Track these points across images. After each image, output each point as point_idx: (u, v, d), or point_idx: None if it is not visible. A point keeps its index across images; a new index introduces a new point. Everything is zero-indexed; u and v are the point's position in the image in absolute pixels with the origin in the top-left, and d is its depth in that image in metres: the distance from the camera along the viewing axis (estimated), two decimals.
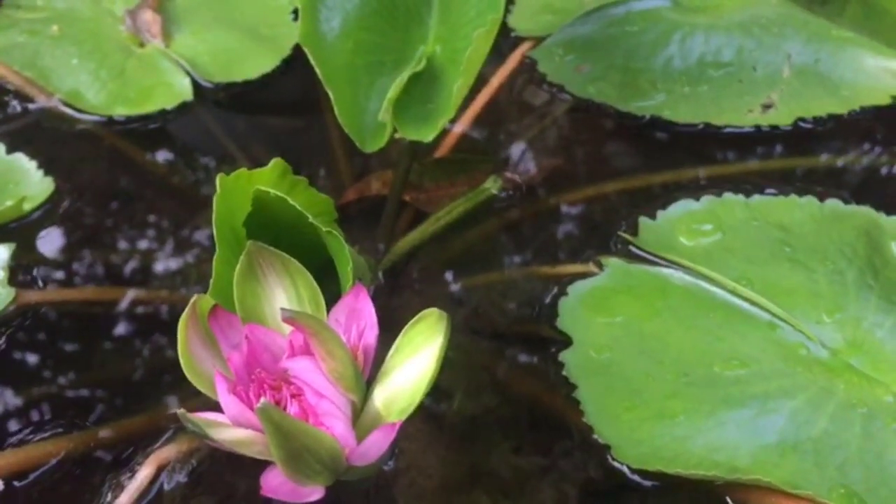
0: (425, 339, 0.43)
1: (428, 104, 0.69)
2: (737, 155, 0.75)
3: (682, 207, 0.68)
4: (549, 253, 0.69)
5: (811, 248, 0.64)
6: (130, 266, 0.69)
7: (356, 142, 0.67)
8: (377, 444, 0.41)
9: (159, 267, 0.69)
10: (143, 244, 0.71)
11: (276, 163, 0.58)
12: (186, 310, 0.42)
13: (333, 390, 0.41)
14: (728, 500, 0.51)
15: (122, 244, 0.71)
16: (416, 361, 0.43)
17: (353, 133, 0.67)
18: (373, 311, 0.44)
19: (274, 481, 0.40)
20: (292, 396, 0.42)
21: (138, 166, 0.76)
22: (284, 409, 0.41)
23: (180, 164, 0.77)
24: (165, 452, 0.53)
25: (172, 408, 0.58)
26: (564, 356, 0.59)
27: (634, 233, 0.66)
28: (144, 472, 0.52)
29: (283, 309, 0.40)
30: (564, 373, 0.58)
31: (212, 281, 0.50)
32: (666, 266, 0.64)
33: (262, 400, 0.37)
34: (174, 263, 0.69)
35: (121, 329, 0.64)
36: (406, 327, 0.44)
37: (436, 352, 0.42)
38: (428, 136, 0.67)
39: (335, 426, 0.40)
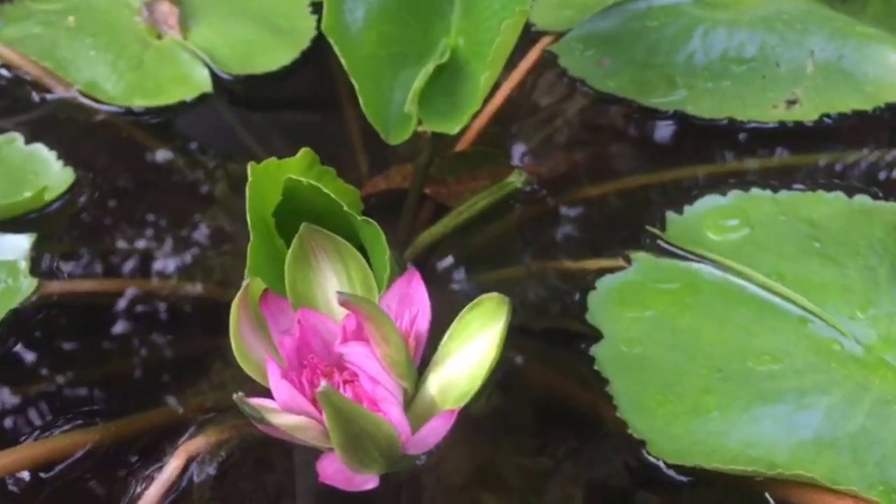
0: (483, 323, 0.42)
1: (453, 96, 0.68)
2: (761, 150, 0.74)
3: (709, 202, 0.67)
4: (573, 248, 0.69)
5: (841, 243, 0.63)
6: (152, 258, 0.68)
7: (381, 133, 0.67)
8: (435, 431, 0.40)
9: (181, 259, 0.68)
10: (164, 236, 0.70)
11: (304, 153, 0.57)
12: (239, 294, 0.41)
13: (387, 377, 0.40)
14: (768, 496, 0.51)
15: (144, 235, 0.70)
16: (473, 347, 0.42)
17: (377, 124, 0.67)
18: (426, 297, 0.43)
19: (330, 468, 0.39)
20: (345, 382, 0.41)
21: (157, 157, 0.76)
22: None
23: (199, 156, 0.76)
24: (195, 444, 0.53)
25: (198, 399, 0.58)
26: (595, 351, 0.58)
27: (662, 228, 0.66)
28: (174, 464, 0.51)
29: (339, 292, 0.39)
30: (596, 367, 0.57)
31: (246, 270, 0.49)
32: (695, 261, 0.63)
33: (324, 383, 0.36)
34: (196, 256, 0.69)
35: (145, 321, 0.64)
36: (462, 312, 0.43)
37: (496, 336, 0.42)
38: (454, 129, 0.66)
39: (392, 412, 0.39)
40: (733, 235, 0.66)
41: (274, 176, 0.55)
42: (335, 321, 0.42)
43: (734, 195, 0.68)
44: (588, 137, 0.78)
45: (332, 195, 0.51)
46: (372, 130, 0.66)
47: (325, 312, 0.43)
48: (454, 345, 0.43)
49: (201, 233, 0.71)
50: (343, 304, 0.39)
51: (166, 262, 0.68)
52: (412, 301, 0.43)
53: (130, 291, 0.65)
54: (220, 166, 0.76)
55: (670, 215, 0.66)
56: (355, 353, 0.40)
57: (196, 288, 0.66)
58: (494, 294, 0.43)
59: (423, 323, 0.43)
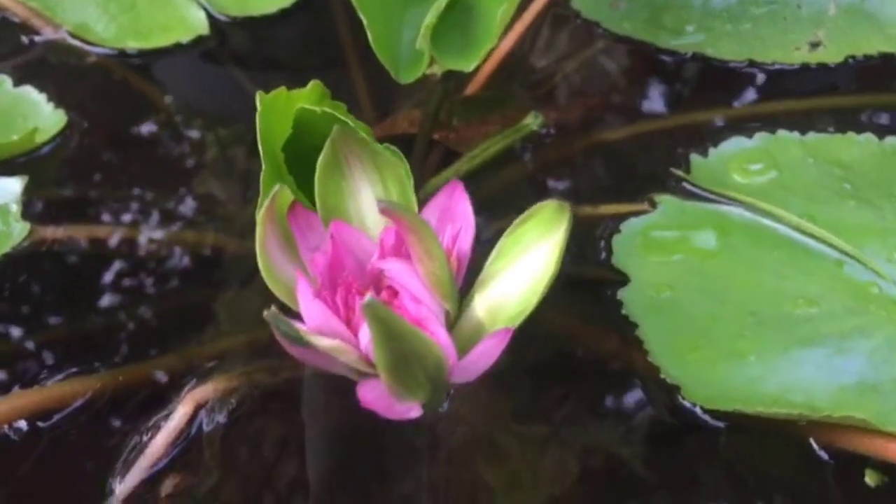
0: (539, 234, 0.39)
1: (467, 32, 0.65)
2: (785, 93, 0.71)
3: (735, 145, 0.65)
4: (592, 193, 0.66)
5: (875, 185, 0.61)
6: (149, 204, 0.65)
7: (391, 71, 0.63)
8: (486, 354, 0.37)
9: (179, 206, 0.65)
10: (161, 181, 0.67)
11: (314, 85, 0.54)
12: (265, 205, 0.37)
13: (430, 296, 0.37)
14: (812, 441, 0.48)
15: (139, 181, 0.67)
16: (528, 261, 0.39)
17: (387, 62, 0.63)
18: (470, 211, 0.40)
19: (371, 393, 0.36)
20: (383, 303, 0.37)
21: (152, 101, 0.72)
22: None
23: (195, 100, 0.73)
24: (202, 392, 0.50)
25: (203, 347, 0.55)
26: (623, 295, 0.55)
27: (686, 171, 0.63)
28: (181, 411, 0.48)
29: (379, 200, 0.36)
30: (624, 312, 0.54)
31: (259, 202, 0.46)
32: (723, 203, 0.60)
33: (369, 296, 0.33)
34: (195, 202, 0.65)
35: (143, 268, 0.60)
36: (513, 226, 0.40)
37: (555, 248, 0.38)
38: (469, 65, 0.63)
39: (439, 333, 0.36)
40: (760, 178, 0.63)
41: (283, 108, 0.52)
42: (369, 237, 0.39)
43: (760, 137, 0.65)
44: (603, 81, 0.75)
45: (350, 122, 0.47)
46: (375, 76, 0.63)
47: (358, 227, 0.39)
48: (503, 262, 0.40)
49: (198, 179, 0.67)
50: (384, 212, 0.35)
51: (163, 209, 0.65)
52: (454, 216, 0.40)
53: (126, 238, 0.62)
54: (218, 110, 0.73)
55: (695, 158, 0.63)
56: (396, 270, 0.36)
57: (196, 235, 0.63)
58: (552, 201, 0.39)
59: (467, 240, 0.39)
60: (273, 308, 0.34)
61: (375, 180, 0.40)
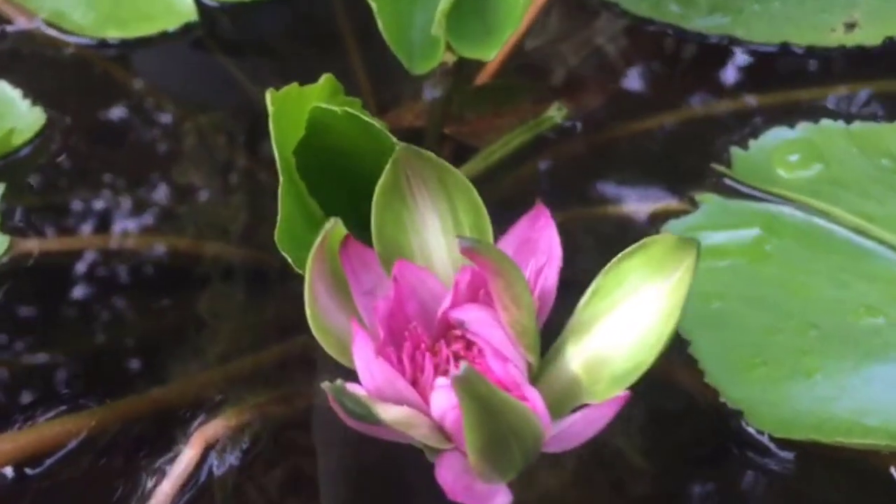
0: (652, 274, 0.32)
1: (485, 17, 0.60)
2: (823, 77, 0.66)
3: (776, 136, 0.60)
4: (620, 190, 0.60)
5: None
6: (140, 209, 0.59)
7: (404, 62, 0.58)
8: (592, 422, 0.31)
9: (173, 211, 0.59)
10: (151, 184, 0.61)
11: (327, 79, 0.48)
12: (316, 243, 0.31)
13: (514, 351, 0.31)
14: (893, 471, 0.44)
15: (128, 184, 0.61)
16: (636, 307, 0.33)
17: (400, 51, 0.58)
18: (557, 242, 0.34)
19: (450, 474, 0.30)
20: (456, 359, 0.32)
21: (138, 95, 0.66)
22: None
23: (185, 93, 0.67)
24: (212, 429, 0.44)
25: (208, 374, 0.49)
26: None
27: (727, 165, 0.58)
28: (189, 454, 0.43)
29: (460, 237, 0.30)
30: None
31: (279, 219, 0.41)
32: (771, 202, 0.56)
33: (465, 365, 0.26)
34: (190, 206, 0.60)
35: (136, 283, 0.55)
36: (615, 261, 0.34)
37: (675, 293, 0.31)
38: (489, 54, 0.58)
39: (535, 400, 0.30)
40: (806, 172, 0.58)
41: (294, 106, 0.46)
42: (437, 278, 0.33)
43: (802, 127, 0.60)
44: (624, 68, 0.70)
45: (376, 124, 0.42)
46: (375, 65, 0.58)
47: (424, 266, 0.34)
48: (603, 305, 0.33)
49: (193, 179, 0.62)
50: (466, 252, 0.30)
51: (156, 215, 0.59)
52: (537, 247, 0.34)
53: (116, 249, 0.56)
54: (209, 105, 0.67)
55: (735, 151, 0.58)
56: (478, 321, 0.31)
57: (193, 244, 0.57)
58: (668, 235, 0.33)
59: (552, 278, 0.33)
60: (338, 381, 0.28)
61: (445, 210, 0.34)
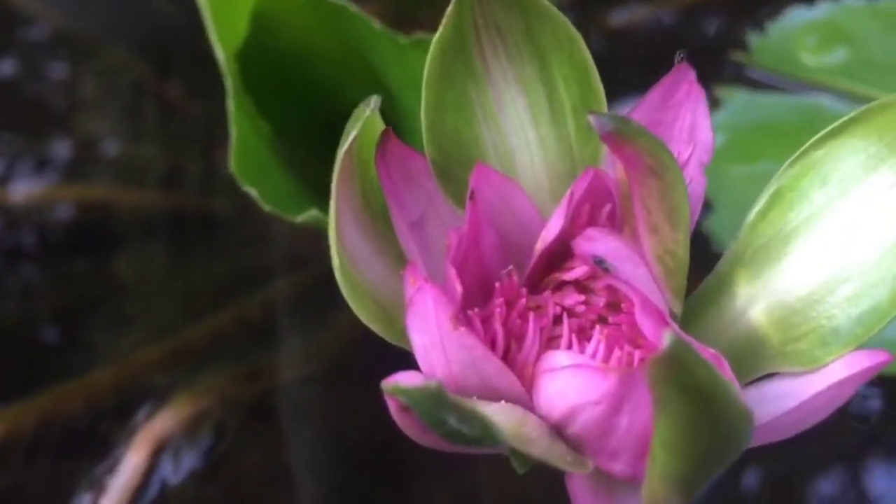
0: (888, 151, 0.21)
1: None
2: None
3: (796, 18, 0.51)
4: (627, 89, 0.51)
5: None
6: (37, 162, 0.48)
7: None
8: (814, 407, 0.19)
9: (90, 157, 0.49)
10: (41, 129, 0.50)
11: None
12: (343, 149, 0.20)
13: (662, 301, 0.20)
14: None
15: (21, 134, 0.50)
16: (863, 206, 0.21)
17: None
18: (708, 121, 0.23)
19: (597, 496, 0.19)
20: (569, 316, 0.20)
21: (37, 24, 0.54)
22: (584, 352, 0.19)
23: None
24: (160, 424, 0.34)
25: (147, 352, 0.39)
26: (709, 225, 0.42)
27: (745, 52, 0.49)
28: (133, 460, 0.33)
29: (597, 114, 0.18)
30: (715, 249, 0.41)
31: (233, 141, 0.30)
32: (803, 92, 0.47)
33: (669, 334, 0.14)
34: (92, 153, 0.49)
35: (40, 246, 0.44)
36: (803, 150, 0.22)
37: None
38: None
39: (732, 376, 0.20)
40: (833, 57, 0.50)
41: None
42: (524, 192, 0.21)
43: (823, 7, 0.52)
44: None
45: (351, 8, 0.32)
46: None
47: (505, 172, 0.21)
48: (798, 213, 0.22)
49: (98, 120, 0.51)
50: (608, 137, 0.18)
51: (59, 167, 0.48)
52: (673, 131, 0.22)
53: (13, 206, 0.45)
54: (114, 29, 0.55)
55: (753, 36, 0.50)
56: (616, 255, 0.19)
57: (109, 193, 0.46)
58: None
59: (700, 179, 0.21)
60: (398, 381, 0.17)
61: (534, 80, 0.22)
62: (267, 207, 0.29)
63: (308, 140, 0.38)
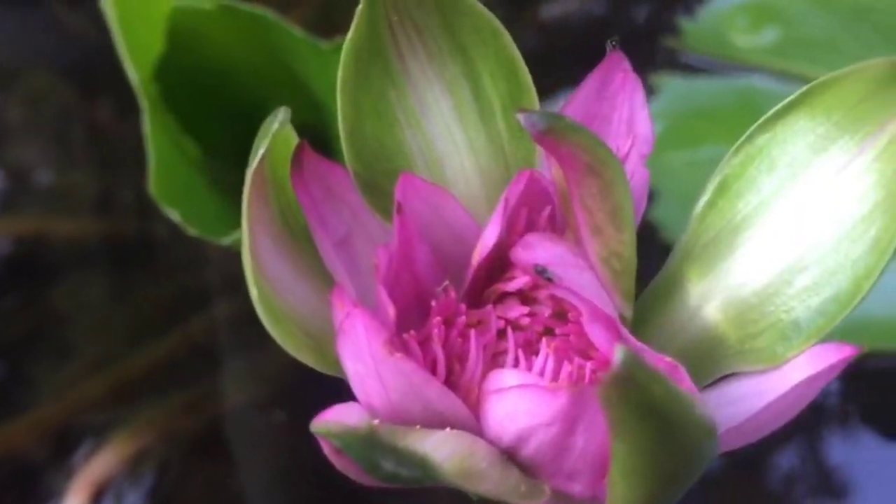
0: (839, 131, 0.20)
1: None
2: None
3: (725, 0, 0.51)
4: (558, 81, 0.50)
5: None
6: None
7: None
8: (796, 401, 0.18)
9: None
10: None
11: None
12: (253, 165, 0.18)
13: (611, 306, 0.19)
14: None
15: None
16: (817, 190, 0.20)
17: None
18: (646, 112, 0.22)
19: None
20: (513, 330, 0.19)
21: None
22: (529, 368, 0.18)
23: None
24: (101, 465, 0.33)
25: (80, 388, 0.37)
26: (654, 215, 0.41)
27: (677, 37, 0.49)
28: None
29: (526, 112, 0.17)
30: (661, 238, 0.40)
31: (152, 164, 0.29)
32: (737, 74, 0.47)
33: (621, 348, 0.13)
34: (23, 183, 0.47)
35: None
36: (746, 137, 0.20)
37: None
38: None
39: (690, 384, 0.18)
40: (765, 37, 0.50)
41: (145, 12, 0.34)
42: (454, 198, 0.20)
43: None
44: None
45: (269, 16, 0.30)
46: None
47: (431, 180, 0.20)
48: (746, 202, 0.20)
49: (37, 144, 0.49)
50: (541, 136, 0.17)
51: None
52: (611, 124, 0.21)
53: None
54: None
55: (684, 21, 0.49)
56: (559, 261, 0.18)
57: (40, 224, 0.45)
58: (864, 65, 0.21)
59: (641, 172, 0.20)
60: (328, 420, 0.15)
61: (457, 77, 0.20)
62: (191, 230, 0.28)
63: (237, 157, 0.36)
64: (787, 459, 0.36)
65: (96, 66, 0.51)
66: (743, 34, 0.50)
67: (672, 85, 0.47)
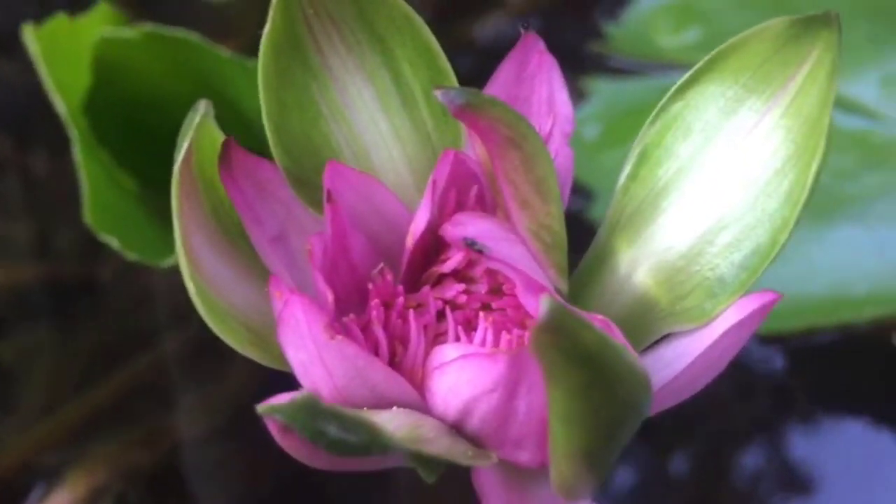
0: (747, 91, 0.20)
1: None
2: None
3: (646, 3, 0.52)
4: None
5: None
6: None
7: None
8: (724, 352, 0.18)
9: None
10: None
11: (102, 6, 0.36)
12: (178, 162, 0.18)
13: (545, 277, 0.19)
14: None
15: None
16: (731, 151, 0.20)
17: None
18: (564, 92, 0.22)
19: (503, 490, 0.17)
20: (453, 309, 0.19)
21: None
22: (467, 339, 0.19)
23: None
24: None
25: (35, 432, 0.37)
26: (593, 214, 0.42)
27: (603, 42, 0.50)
28: None
29: (443, 88, 0.17)
30: None
31: (86, 193, 0.28)
32: (663, 75, 0.48)
33: (546, 298, 0.14)
34: None
35: None
36: (661, 106, 0.21)
37: (803, 98, 0.19)
38: None
39: (619, 335, 0.18)
40: (688, 35, 0.51)
41: (69, 46, 0.34)
42: (381, 184, 0.20)
43: None
44: None
45: (195, 39, 0.31)
46: None
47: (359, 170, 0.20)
48: (666, 169, 0.21)
49: None
50: (459, 111, 0.17)
51: None
52: (531, 104, 0.21)
53: None
54: None
55: (608, 26, 0.50)
56: (490, 235, 0.18)
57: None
58: (785, 19, 0.22)
59: (565, 150, 0.21)
60: (271, 402, 0.16)
61: (378, 66, 0.21)
62: (131, 256, 0.27)
63: (168, 185, 0.36)
64: (738, 430, 0.37)
65: (25, 111, 0.51)
66: (666, 35, 0.51)
67: (602, 88, 0.48)
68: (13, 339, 0.42)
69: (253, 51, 0.46)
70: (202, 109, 0.18)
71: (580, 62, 0.50)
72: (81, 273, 0.44)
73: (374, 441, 0.15)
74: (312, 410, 0.15)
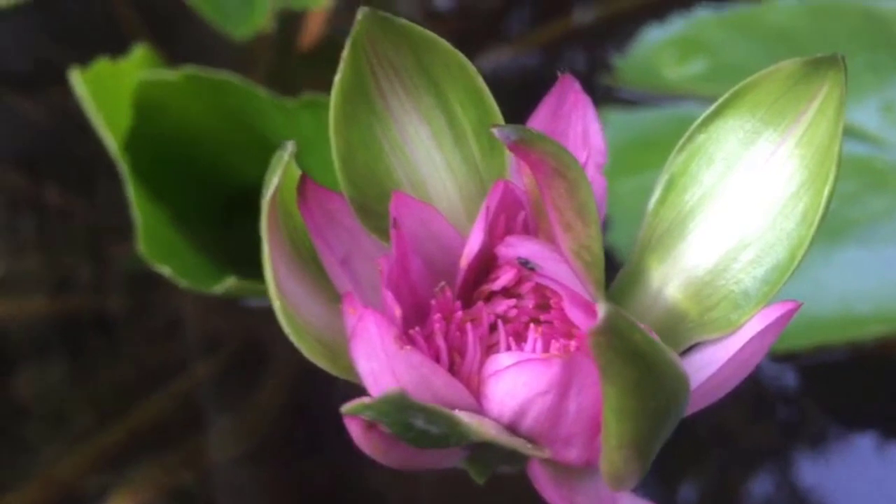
0: (762, 124, 0.22)
1: None
2: None
3: (652, 37, 0.54)
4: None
5: (821, 47, 0.52)
6: None
7: (221, 23, 0.48)
8: (736, 365, 0.20)
9: None
10: None
11: (140, 49, 0.38)
12: (267, 197, 0.20)
13: (585, 293, 0.21)
14: None
15: None
16: (749, 178, 0.22)
17: (212, 12, 0.48)
18: (597, 126, 0.24)
19: (562, 486, 0.19)
20: (503, 322, 0.21)
21: None
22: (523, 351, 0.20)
23: None
24: None
25: (75, 458, 0.38)
26: (608, 240, 0.43)
27: (611, 74, 0.52)
28: None
29: (499, 126, 0.19)
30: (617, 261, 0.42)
31: (139, 225, 0.30)
32: (671, 106, 0.50)
33: (605, 306, 0.16)
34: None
35: None
36: (685, 139, 0.23)
37: (814, 131, 0.21)
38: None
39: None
40: (693, 67, 0.53)
41: (113, 88, 0.35)
42: (438, 212, 0.22)
43: (675, 23, 0.55)
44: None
45: (237, 82, 0.32)
46: (173, 46, 0.48)
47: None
48: (691, 196, 0.23)
49: None
50: (514, 146, 0.19)
51: None
52: (568, 139, 0.23)
53: None
54: None
55: (616, 59, 0.52)
56: (539, 255, 0.21)
57: (8, 308, 0.45)
58: (777, 67, 0.24)
59: (599, 180, 0.23)
60: (357, 401, 0.18)
61: (432, 108, 0.23)
62: (183, 283, 0.29)
63: (207, 218, 0.38)
64: (749, 443, 0.38)
65: (43, 150, 0.52)
66: (672, 67, 0.53)
67: (612, 118, 0.49)
68: (36, 374, 0.44)
69: (269, 82, 0.48)
70: (290, 149, 0.20)
71: (590, 94, 0.52)
72: (102, 307, 0.46)
73: (454, 432, 0.16)
74: (401, 404, 0.16)
